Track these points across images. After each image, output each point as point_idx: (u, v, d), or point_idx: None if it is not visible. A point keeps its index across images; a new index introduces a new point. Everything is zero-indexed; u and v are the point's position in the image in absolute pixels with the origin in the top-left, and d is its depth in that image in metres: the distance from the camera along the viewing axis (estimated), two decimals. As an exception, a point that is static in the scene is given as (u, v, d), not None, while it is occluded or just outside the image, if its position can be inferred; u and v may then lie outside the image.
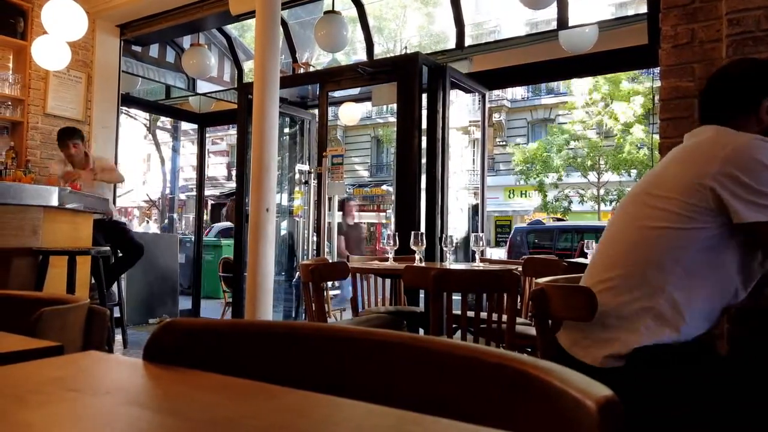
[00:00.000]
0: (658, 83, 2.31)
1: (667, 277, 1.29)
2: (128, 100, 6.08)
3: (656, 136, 2.38)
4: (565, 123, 16.07)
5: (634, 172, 14.22)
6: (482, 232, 4.83)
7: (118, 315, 4.21)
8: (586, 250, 2.99)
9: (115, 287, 4.12)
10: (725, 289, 1.31)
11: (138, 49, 6.09)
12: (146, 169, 19.69)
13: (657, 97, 2.33)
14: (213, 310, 6.70)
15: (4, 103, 4.55)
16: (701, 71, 2.15)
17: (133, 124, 13.28)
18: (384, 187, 18.54)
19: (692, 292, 1.29)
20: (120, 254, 4.22)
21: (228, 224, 12.05)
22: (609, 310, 1.32)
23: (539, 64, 4.41)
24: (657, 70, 2.36)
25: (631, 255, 1.37)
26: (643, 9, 3.84)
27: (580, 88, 14.86)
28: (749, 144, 1.28)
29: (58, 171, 4.02)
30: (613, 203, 15.13)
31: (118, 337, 4.12)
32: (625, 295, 1.33)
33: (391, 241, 3.05)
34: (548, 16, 7.59)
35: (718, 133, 1.37)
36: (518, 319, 2.45)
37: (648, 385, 1.27)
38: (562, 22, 4.02)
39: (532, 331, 2.32)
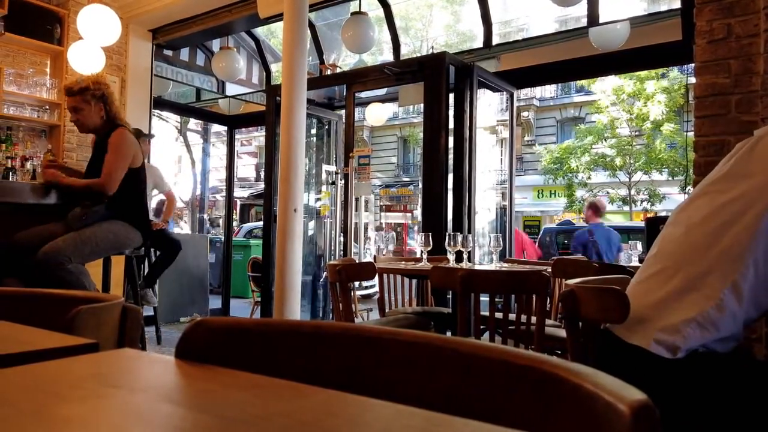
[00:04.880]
0: (692, 80, 2.25)
1: (724, 270, 1.23)
2: (160, 103, 6.20)
3: (690, 134, 2.32)
4: (593, 122, 15.71)
5: (666, 171, 13.84)
6: (509, 232, 4.78)
7: (151, 313, 4.31)
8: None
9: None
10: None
11: (169, 53, 6.21)
12: (178, 170, 20.07)
13: (691, 94, 2.27)
14: (242, 309, 6.81)
15: (42, 107, 4.69)
16: (738, 67, 2.09)
17: (165, 126, 13.54)
18: (411, 187, 18.50)
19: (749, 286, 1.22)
20: (158, 253, 4.30)
21: (256, 224, 12.19)
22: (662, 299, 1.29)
23: (569, 62, 4.34)
24: (691, 66, 2.30)
25: (694, 249, 1.31)
26: (677, 4, 3.75)
27: (603, 86, 14.46)
28: None
29: None
30: (644, 203, 14.72)
31: (151, 335, 4.21)
32: (681, 284, 1.27)
33: (424, 241, 3.05)
34: (578, 12, 7.46)
35: None
36: (547, 321, 2.42)
37: (692, 384, 1.23)
38: (593, 18, 3.95)
39: (562, 333, 2.29)
